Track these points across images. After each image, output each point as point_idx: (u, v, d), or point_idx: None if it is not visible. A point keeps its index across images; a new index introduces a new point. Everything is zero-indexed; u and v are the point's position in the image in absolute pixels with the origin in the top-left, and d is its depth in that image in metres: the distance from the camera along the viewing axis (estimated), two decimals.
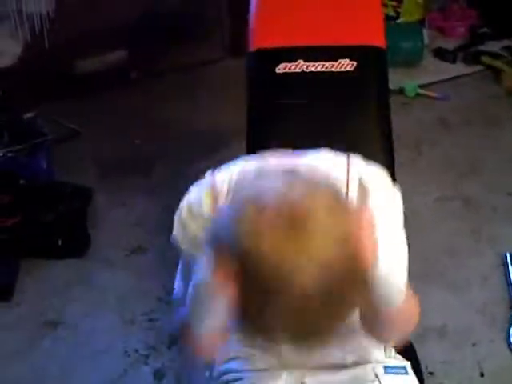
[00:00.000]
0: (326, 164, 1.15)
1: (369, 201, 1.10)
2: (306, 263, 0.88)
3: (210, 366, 1.34)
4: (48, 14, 3.00)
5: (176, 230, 1.21)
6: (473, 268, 2.31)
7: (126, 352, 2.07)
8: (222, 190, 1.13)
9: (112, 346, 2.10)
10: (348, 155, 1.17)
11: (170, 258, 2.35)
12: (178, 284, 1.29)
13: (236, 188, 1.09)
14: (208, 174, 1.19)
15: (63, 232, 2.42)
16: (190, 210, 1.16)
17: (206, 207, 1.13)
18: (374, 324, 1.16)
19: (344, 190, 1.10)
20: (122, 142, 2.93)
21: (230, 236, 0.92)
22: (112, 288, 2.28)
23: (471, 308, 2.17)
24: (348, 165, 1.16)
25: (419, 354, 1.53)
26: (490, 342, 2.05)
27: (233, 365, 1.29)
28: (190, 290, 1.09)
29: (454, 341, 2.06)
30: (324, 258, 0.89)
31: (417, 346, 1.54)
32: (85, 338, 2.13)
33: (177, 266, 2.35)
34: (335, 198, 0.95)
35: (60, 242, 2.41)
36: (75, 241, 2.44)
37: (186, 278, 1.14)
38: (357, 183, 1.12)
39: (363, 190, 1.11)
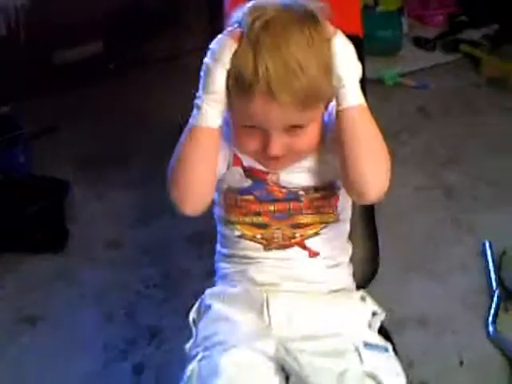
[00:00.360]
0: None
1: None
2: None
3: (193, 337, 1.33)
4: (23, 6, 2.97)
5: None
6: (453, 256, 2.31)
7: (105, 347, 2.05)
8: None
9: (91, 340, 2.08)
10: None
11: (148, 251, 2.36)
12: None
13: None
14: None
15: (41, 226, 2.40)
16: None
17: None
18: (352, 144, 1.18)
19: None
20: (100, 134, 2.90)
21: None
22: (91, 282, 2.27)
23: (451, 296, 2.17)
24: None
25: (399, 343, 1.53)
26: (469, 331, 2.05)
27: (215, 328, 1.29)
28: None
29: (434, 329, 2.06)
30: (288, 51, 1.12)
31: (397, 335, 1.53)
32: (64, 333, 2.11)
33: (155, 260, 2.35)
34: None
35: (38, 236, 2.39)
36: (53, 235, 2.42)
37: None
38: None
39: None
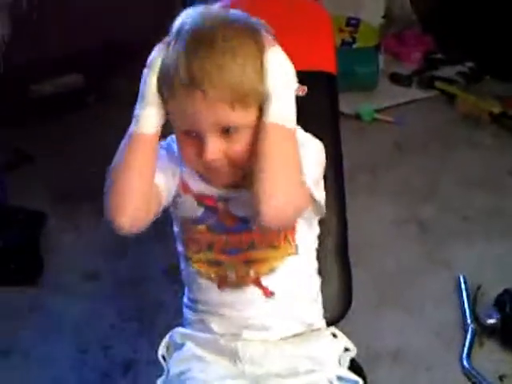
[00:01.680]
0: None
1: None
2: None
3: (165, 372, 1.32)
4: (3, 37, 2.97)
5: None
6: (427, 290, 2.32)
7: (79, 380, 2.04)
8: None
9: (65, 374, 2.06)
10: None
11: (124, 283, 2.35)
12: None
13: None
14: None
15: (16, 257, 2.39)
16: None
17: None
18: (264, 152, 1.14)
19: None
20: (76, 166, 2.90)
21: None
22: (65, 314, 2.25)
23: (426, 331, 2.18)
24: None
25: (374, 379, 1.53)
26: (444, 366, 2.05)
27: (188, 366, 1.28)
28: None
29: (409, 365, 2.06)
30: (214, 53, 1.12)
31: (371, 371, 1.53)
32: (37, 366, 2.09)
33: (130, 292, 2.33)
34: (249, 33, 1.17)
35: (12, 268, 2.37)
36: (28, 266, 2.40)
37: None
38: None
39: None
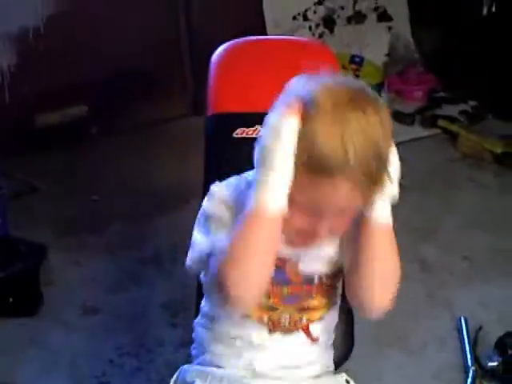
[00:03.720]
0: None
1: None
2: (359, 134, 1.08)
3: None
4: (9, 68, 3.00)
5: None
6: (429, 332, 2.31)
7: None
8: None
9: None
10: None
11: (123, 318, 2.34)
12: (199, 240, 1.23)
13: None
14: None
15: (15, 290, 2.37)
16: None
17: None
18: (367, 255, 1.18)
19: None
20: (80, 198, 2.91)
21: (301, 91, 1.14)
22: (64, 349, 2.23)
23: (426, 372, 2.16)
24: None
25: None
26: None
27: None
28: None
29: None
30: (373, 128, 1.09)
31: None
32: None
33: (129, 327, 2.32)
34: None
35: (11, 300, 2.36)
36: (27, 299, 2.39)
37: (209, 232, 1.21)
38: None
39: None
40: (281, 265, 1.24)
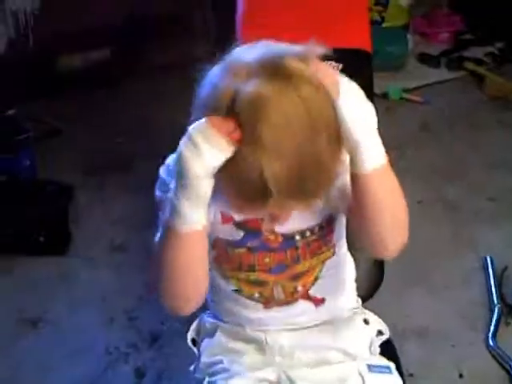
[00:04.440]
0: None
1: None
2: (287, 93, 0.94)
3: (195, 360, 1.34)
4: (32, 11, 2.99)
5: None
6: (453, 271, 2.32)
7: (106, 350, 2.06)
8: None
9: (93, 344, 2.09)
10: None
11: (150, 255, 2.36)
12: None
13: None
14: None
15: (45, 229, 2.41)
16: None
17: None
18: (368, 203, 1.06)
19: None
20: (104, 139, 2.92)
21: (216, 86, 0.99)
22: (93, 286, 2.28)
23: (451, 310, 2.17)
24: None
25: (399, 356, 1.54)
26: (469, 344, 2.06)
27: (218, 358, 1.29)
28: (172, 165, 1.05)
29: (434, 342, 2.06)
30: (302, 93, 0.95)
31: (397, 348, 1.54)
32: (65, 335, 2.12)
33: None
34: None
35: (41, 239, 2.40)
36: (56, 238, 2.43)
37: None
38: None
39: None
40: (256, 225, 1.15)
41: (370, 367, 1.26)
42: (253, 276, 1.21)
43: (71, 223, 2.48)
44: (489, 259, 2.31)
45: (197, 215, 1.00)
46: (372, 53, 1.75)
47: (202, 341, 1.35)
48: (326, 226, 1.19)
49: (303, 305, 1.26)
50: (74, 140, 2.93)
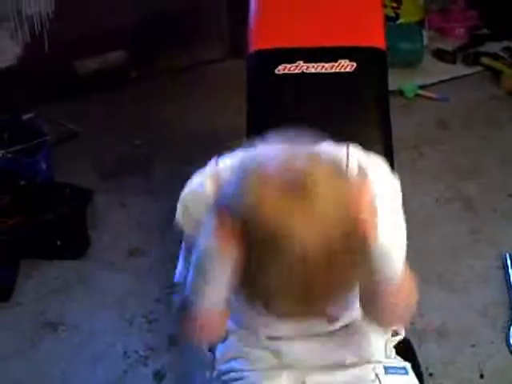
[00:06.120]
0: (327, 149, 1.14)
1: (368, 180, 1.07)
2: (307, 223, 0.90)
3: (210, 366, 1.34)
4: (48, 14, 3.00)
5: (179, 214, 1.20)
6: (472, 269, 2.31)
7: (125, 353, 2.07)
8: (224, 175, 1.10)
9: (111, 347, 2.09)
10: (348, 144, 1.16)
11: (169, 259, 2.36)
12: (180, 267, 1.27)
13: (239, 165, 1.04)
14: (211, 161, 1.18)
15: (63, 233, 2.42)
16: (192, 194, 1.16)
17: (209, 192, 1.11)
18: (375, 304, 1.13)
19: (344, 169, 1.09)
20: (122, 142, 2.93)
21: (233, 199, 0.95)
22: (111, 289, 2.28)
23: (471, 309, 2.16)
24: (348, 153, 1.15)
25: (419, 355, 1.53)
26: (489, 344, 2.04)
27: (233, 364, 1.29)
28: (193, 259, 1.08)
29: (454, 342, 2.06)
30: (324, 220, 0.91)
31: (416, 347, 1.53)
32: (84, 339, 2.13)
33: (176, 265, 2.34)
34: (336, 167, 0.99)
35: (59, 243, 2.41)
36: (74, 242, 2.44)
37: (188, 261, 1.12)
38: (356, 168, 1.11)
39: (362, 174, 1.10)
40: None
41: (387, 369, 1.26)
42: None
43: (89, 227, 2.48)
44: (508, 257, 2.29)
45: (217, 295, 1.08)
46: (387, 50, 1.74)
47: (217, 346, 1.35)
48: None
49: (319, 322, 1.27)
50: (91, 143, 2.94)
